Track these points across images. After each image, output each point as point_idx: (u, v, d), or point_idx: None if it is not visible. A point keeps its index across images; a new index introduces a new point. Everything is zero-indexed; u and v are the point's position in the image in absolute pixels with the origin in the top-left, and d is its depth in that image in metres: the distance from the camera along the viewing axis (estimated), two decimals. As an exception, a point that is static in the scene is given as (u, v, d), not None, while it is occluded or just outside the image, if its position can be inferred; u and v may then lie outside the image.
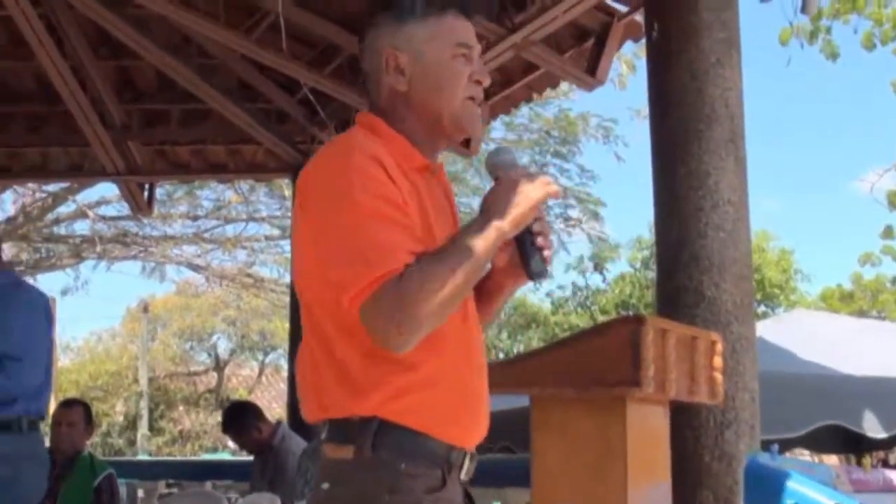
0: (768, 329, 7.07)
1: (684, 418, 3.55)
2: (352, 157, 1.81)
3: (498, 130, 14.17)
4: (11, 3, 5.94)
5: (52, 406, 5.32)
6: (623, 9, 5.73)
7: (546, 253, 1.92)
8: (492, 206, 1.83)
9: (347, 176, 1.80)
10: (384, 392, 1.83)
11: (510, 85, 6.54)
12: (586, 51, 5.98)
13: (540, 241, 1.90)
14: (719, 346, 3.05)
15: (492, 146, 14.77)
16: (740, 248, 3.77)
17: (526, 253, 1.90)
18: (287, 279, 14.48)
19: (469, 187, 15.67)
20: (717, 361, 3.03)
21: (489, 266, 1.97)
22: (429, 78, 1.93)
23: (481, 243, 1.79)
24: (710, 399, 3.05)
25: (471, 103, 1.96)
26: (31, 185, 12.66)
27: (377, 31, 1.98)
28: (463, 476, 1.94)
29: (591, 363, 2.70)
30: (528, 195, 1.83)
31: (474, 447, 1.96)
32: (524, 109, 12.05)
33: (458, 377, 1.89)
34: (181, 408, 24.86)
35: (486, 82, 1.98)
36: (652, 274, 14.86)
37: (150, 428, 23.76)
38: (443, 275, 1.74)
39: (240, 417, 5.89)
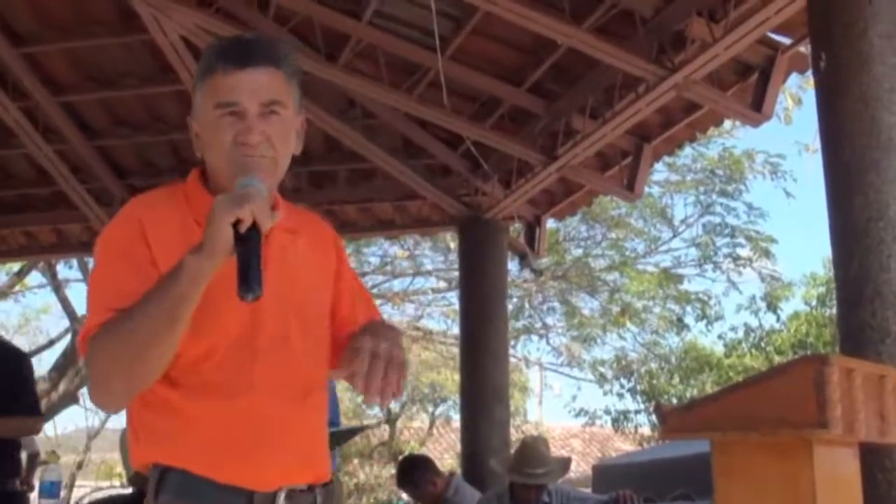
0: (961, 365, 6.69)
1: (876, 460, 3.39)
2: (113, 223, 1.91)
3: (660, 172, 13.99)
4: (188, 80, 6.28)
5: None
6: (787, 41, 5.61)
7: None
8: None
9: (102, 242, 1.90)
10: (157, 439, 1.87)
11: (672, 126, 6.48)
12: (750, 86, 5.87)
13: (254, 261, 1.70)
14: (911, 384, 2.91)
15: (655, 189, 14.62)
16: (927, 280, 3.61)
17: (239, 270, 1.68)
18: (455, 331, 14.60)
19: (633, 230, 15.50)
20: (910, 400, 2.89)
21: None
22: (203, 139, 1.92)
23: (169, 285, 1.70)
24: (904, 440, 2.91)
25: (244, 161, 1.85)
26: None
27: None
28: None
29: (774, 405, 2.61)
30: (213, 219, 1.67)
31: (292, 484, 1.89)
32: (687, 149, 11.86)
33: (232, 420, 1.85)
34: (355, 461, 25.26)
35: (252, 142, 1.85)
36: (829, 311, 14.28)
37: (328, 482, 24.23)
38: (121, 332, 1.73)
39: (415, 472, 5.93)
